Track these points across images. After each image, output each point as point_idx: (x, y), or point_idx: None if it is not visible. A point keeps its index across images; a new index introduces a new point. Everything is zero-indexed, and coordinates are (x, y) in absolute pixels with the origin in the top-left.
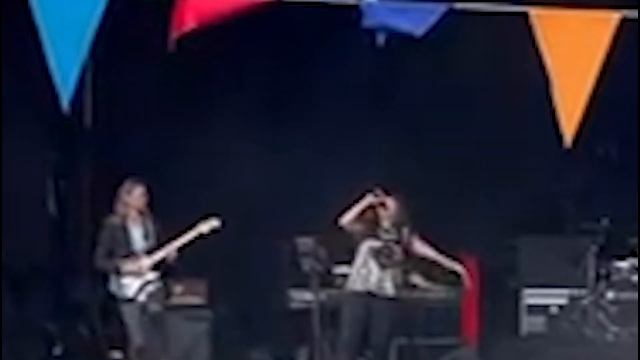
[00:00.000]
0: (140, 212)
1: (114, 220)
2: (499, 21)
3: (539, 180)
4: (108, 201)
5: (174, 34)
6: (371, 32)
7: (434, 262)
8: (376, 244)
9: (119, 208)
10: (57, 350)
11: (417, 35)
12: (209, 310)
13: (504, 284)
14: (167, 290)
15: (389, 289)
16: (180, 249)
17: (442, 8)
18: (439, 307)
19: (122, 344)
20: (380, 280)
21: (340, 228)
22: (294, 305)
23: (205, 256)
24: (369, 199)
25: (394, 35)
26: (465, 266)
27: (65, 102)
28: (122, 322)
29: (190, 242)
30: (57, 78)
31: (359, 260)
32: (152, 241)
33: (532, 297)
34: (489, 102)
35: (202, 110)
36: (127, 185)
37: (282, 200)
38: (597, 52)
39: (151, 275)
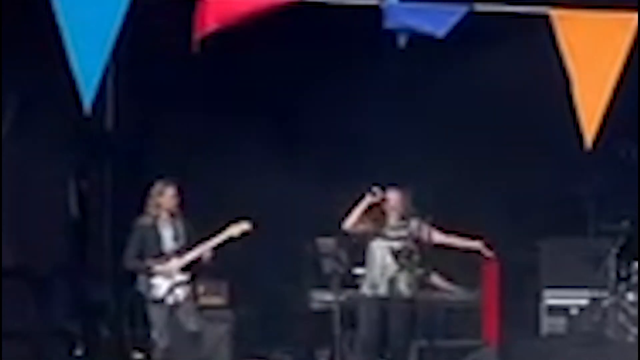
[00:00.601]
0: (171, 214)
1: (145, 220)
2: (519, 22)
3: (560, 181)
4: (129, 202)
5: (197, 35)
6: (392, 34)
7: (453, 248)
8: (393, 244)
9: (150, 209)
10: (78, 351)
11: (439, 37)
12: (231, 311)
13: (525, 284)
14: (195, 292)
15: (403, 290)
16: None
17: (463, 9)
18: (459, 308)
19: (144, 344)
20: (394, 282)
21: (346, 233)
22: (315, 306)
23: (227, 257)
24: (367, 199)
25: (416, 37)
26: (485, 264)
27: (87, 103)
28: (146, 323)
29: (220, 245)
30: (79, 79)
31: (370, 262)
32: (182, 242)
33: (552, 298)
34: (511, 103)
35: (224, 112)
36: (158, 186)
37: (304, 201)
38: (618, 53)
39: (180, 277)
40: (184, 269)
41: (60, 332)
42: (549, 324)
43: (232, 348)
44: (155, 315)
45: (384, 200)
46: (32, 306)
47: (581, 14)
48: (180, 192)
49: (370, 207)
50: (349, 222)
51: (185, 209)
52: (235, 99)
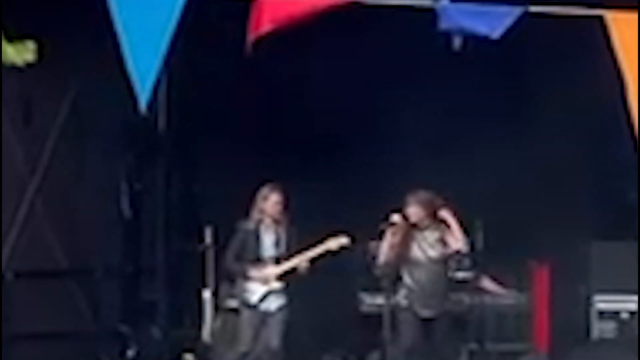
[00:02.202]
0: (275, 220)
1: (248, 225)
2: (574, 24)
3: (612, 185)
4: (182, 203)
5: (251, 36)
6: (447, 35)
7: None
8: (429, 253)
9: (254, 213)
10: (130, 352)
11: (493, 38)
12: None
13: (575, 289)
14: (289, 301)
15: (450, 303)
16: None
17: (517, 10)
18: (509, 312)
19: (194, 346)
20: (442, 297)
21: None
22: (365, 309)
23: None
24: (389, 231)
25: (470, 38)
26: (536, 272)
27: (143, 104)
28: (200, 325)
29: (317, 258)
30: (135, 80)
31: (405, 276)
32: (282, 249)
33: (603, 302)
34: (564, 106)
35: (278, 113)
36: (264, 191)
37: (356, 203)
38: None
39: (276, 285)
40: (281, 277)
41: (112, 333)
42: (599, 329)
43: (283, 351)
44: (246, 320)
45: (405, 219)
46: (84, 307)
47: (635, 16)
48: (287, 199)
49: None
50: (382, 259)
51: (229, 210)
52: (290, 99)
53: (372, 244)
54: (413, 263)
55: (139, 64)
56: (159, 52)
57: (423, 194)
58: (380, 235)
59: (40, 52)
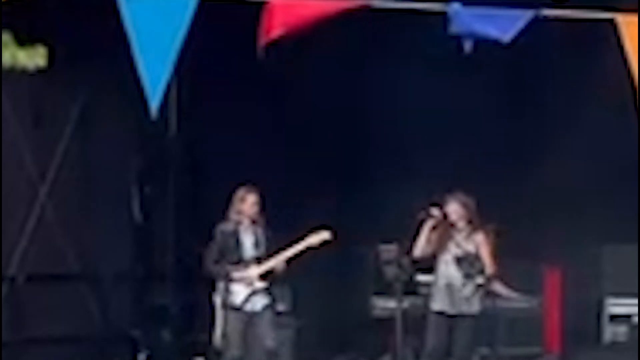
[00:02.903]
0: (253, 221)
1: (227, 227)
2: (585, 27)
3: (623, 189)
4: (192, 207)
5: (262, 41)
6: (458, 39)
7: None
8: (459, 253)
9: (232, 215)
10: (141, 356)
11: (504, 42)
12: (292, 317)
13: (587, 293)
14: (272, 300)
15: (475, 306)
16: (289, 260)
17: (529, 14)
18: (521, 316)
19: (206, 350)
20: (467, 298)
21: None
22: (377, 313)
23: (290, 263)
24: (429, 223)
25: (481, 42)
26: (547, 275)
27: (154, 108)
28: (210, 329)
29: (300, 254)
30: (146, 84)
31: (436, 276)
32: (262, 249)
33: (615, 306)
34: (575, 110)
35: (288, 117)
36: (240, 192)
37: (366, 207)
38: None
39: (259, 285)
40: (263, 277)
41: (123, 337)
42: (612, 332)
43: (294, 355)
44: (232, 322)
45: (445, 217)
46: (95, 311)
47: None
48: (262, 199)
49: (434, 227)
50: (418, 250)
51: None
52: (300, 103)
53: (383, 247)
54: (445, 262)
55: (150, 68)
56: (169, 57)
57: (462, 195)
58: (418, 228)
59: (51, 56)
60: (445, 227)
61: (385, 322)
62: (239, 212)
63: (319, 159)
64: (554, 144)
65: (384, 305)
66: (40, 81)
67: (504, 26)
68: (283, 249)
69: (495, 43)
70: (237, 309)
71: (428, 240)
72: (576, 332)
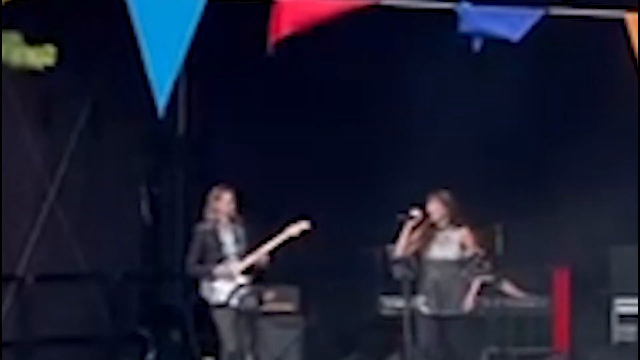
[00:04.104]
0: (231, 218)
1: (205, 226)
2: (594, 26)
3: (631, 188)
4: (201, 207)
5: (272, 39)
6: (467, 37)
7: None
8: (446, 254)
9: (209, 214)
10: (150, 356)
11: (513, 41)
12: (301, 317)
13: (596, 293)
14: (259, 295)
15: (466, 305)
16: (271, 253)
17: (538, 13)
18: (530, 316)
19: (215, 349)
20: (456, 298)
21: (399, 260)
22: (385, 312)
23: (297, 263)
24: (409, 224)
25: (490, 41)
26: (556, 275)
27: (161, 107)
28: (213, 327)
29: (281, 245)
30: (153, 83)
31: (422, 277)
32: (243, 246)
33: (623, 306)
34: (585, 109)
35: (296, 116)
36: (215, 191)
37: (374, 206)
38: None
39: (242, 280)
40: (246, 272)
41: (132, 337)
42: (620, 332)
43: (302, 355)
44: (220, 318)
45: (426, 216)
46: (104, 311)
47: None
48: (237, 196)
49: (415, 226)
50: (399, 249)
51: (247, 213)
52: (310, 103)
53: (391, 247)
54: (430, 262)
55: (158, 66)
56: (178, 56)
57: (445, 193)
58: (399, 227)
59: (60, 55)
60: (427, 226)
61: (393, 322)
62: (216, 211)
63: (328, 158)
64: (561, 143)
65: (392, 304)
66: (48, 80)
67: (514, 25)
68: (264, 242)
69: (505, 42)
70: (223, 305)
71: (409, 241)
72: (585, 332)
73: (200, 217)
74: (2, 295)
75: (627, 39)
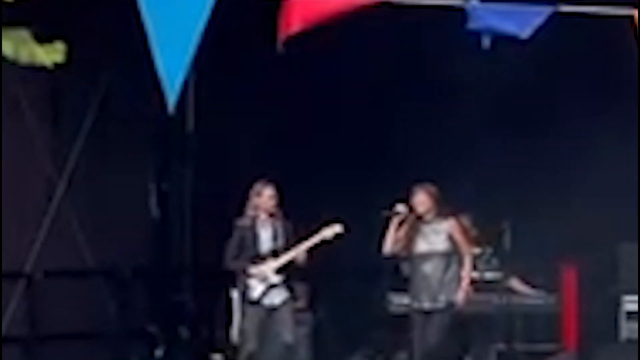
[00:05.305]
0: (270, 214)
1: (244, 222)
2: (604, 23)
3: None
4: (209, 204)
5: (281, 36)
6: (477, 35)
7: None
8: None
9: (249, 210)
10: (158, 352)
11: (523, 38)
12: (310, 314)
13: (604, 290)
14: (291, 294)
15: (443, 299)
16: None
17: (547, 10)
18: (538, 313)
19: (223, 346)
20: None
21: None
22: (393, 309)
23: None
24: (395, 220)
25: (500, 38)
26: (564, 272)
27: (171, 104)
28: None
29: (314, 248)
30: (163, 80)
31: (412, 272)
32: (280, 243)
33: (631, 303)
34: (591, 107)
35: (306, 113)
36: (256, 187)
37: (383, 203)
38: None
39: (275, 279)
40: (280, 271)
41: (141, 333)
42: (628, 329)
43: (311, 351)
44: (249, 317)
45: (412, 211)
46: (113, 307)
47: None
48: (279, 192)
49: (402, 222)
50: (387, 247)
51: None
52: (319, 98)
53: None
54: (419, 256)
55: (168, 63)
56: (187, 52)
57: (430, 186)
58: (386, 223)
59: (69, 52)
60: (413, 219)
61: (402, 319)
62: (256, 207)
63: (338, 155)
64: (570, 141)
65: (401, 301)
66: (58, 77)
67: (523, 22)
68: (299, 241)
69: (514, 39)
70: (255, 303)
71: (396, 238)
72: (593, 329)
73: (212, 214)
74: (11, 291)
75: (636, 35)
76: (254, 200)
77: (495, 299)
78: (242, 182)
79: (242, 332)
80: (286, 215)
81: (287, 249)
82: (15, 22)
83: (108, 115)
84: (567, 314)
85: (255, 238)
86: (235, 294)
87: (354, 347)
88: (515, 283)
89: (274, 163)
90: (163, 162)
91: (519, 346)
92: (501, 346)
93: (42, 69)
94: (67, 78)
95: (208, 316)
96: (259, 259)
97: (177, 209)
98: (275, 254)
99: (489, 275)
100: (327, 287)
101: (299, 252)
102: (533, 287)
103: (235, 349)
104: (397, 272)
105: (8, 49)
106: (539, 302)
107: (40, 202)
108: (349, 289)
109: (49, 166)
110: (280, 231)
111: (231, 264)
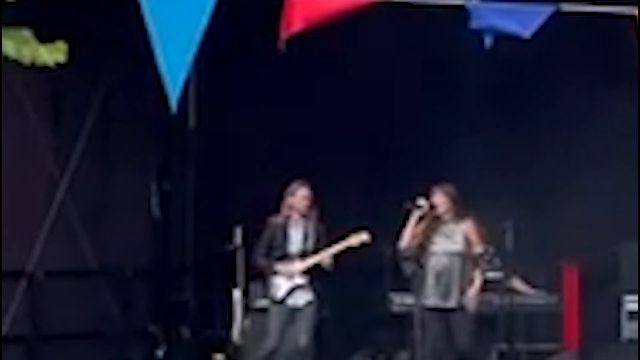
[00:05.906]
0: (303, 215)
1: (277, 220)
2: (605, 23)
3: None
4: (211, 203)
5: (283, 35)
6: (479, 34)
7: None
8: (452, 247)
9: (283, 209)
10: (160, 352)
11: (525, 37)
12: None
13: (605, 290)
14: (318, 297)
15: (470, 301)
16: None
17: (549, 9)
18: (539, 312)
19: (224, 346)
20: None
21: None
22: (395, 308)
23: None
24: (416, 214)
25: (502, 37)
26: (566, 272)
27: (174, 102)
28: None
29: (339, 254)
30: (165, 78)
31: (425, 270)
32: (311, 242)
33: (633, 303)
34: (594, 107)
35: (308, 112)
36: (292, 186)
37: (383, 203)
38: None
39: (301, 280)
40: (306, 272)
41: (142, 333)
42: (630, 329)
43: (313, 350)
44: (273, 315)
45: (432, 208)
46: (114, 307)
47: None
48: (315, 193)
49: (420, 218)
50: (404, 242)
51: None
52: (321, 97)
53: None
54: (434, 254)
55: (170, 62)
56: (190, 51)
57: (449, 186)
58: (406, 216)
59: (70, 53)
60: (432, 218)
61: (403, 318)
62: (290, 207)
63: (341, 155)
64: (574, 140)
65: (402, 301)
66: (59, 76)
67: (525, 21)
68: (328, 245)
69: (516, 39)
70: (279, 302)
71: (414, 233)
72: (594, 329)
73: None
74: (13, 291)
75: (638, 34)
76: (288, 199)
77: (496, 298)
78: (243, 181)
79: (244, 333)
80: (321, 218)
81: (315, 251)
82: (17, 22)
83: (109, 116)
84: (568, 314)
85: (285, 237)
86: (237, 295)
87: (356, 346)
88: (517, 283)
89: (275, 162)
90: (164, 162)
91: (521, 346)
92: (503, 346)
93: (44, 69)
94: (69, 78)
95: (209, 316)
96: (287, 258)
97: (179, 209)
98: (303, 255)
99: (490, 275)
100: (328, 286)
101: (325, 256)
102: (534, 287)
103: (237, 349)
104: (399, 272)
105: (10, 49)
106: (541, 301)
107: (42, 201)
108: (350, 289)
109: (50, 166)
110: (311, 233)
111: (260, 261)
